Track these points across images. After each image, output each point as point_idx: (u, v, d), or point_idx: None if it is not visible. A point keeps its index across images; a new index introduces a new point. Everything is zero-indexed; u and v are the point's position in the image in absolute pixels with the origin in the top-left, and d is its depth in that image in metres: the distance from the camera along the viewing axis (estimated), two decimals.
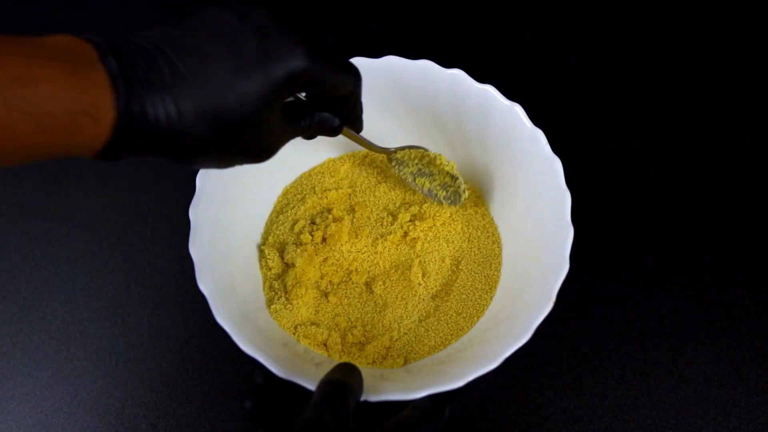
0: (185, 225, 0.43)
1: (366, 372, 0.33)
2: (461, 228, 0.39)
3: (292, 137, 0.29)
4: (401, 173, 0.39)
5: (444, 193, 0.39)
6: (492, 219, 0.39)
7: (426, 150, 0.38)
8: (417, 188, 0.39)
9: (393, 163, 0.39)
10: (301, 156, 0.40)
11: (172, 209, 0.44)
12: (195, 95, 0.23)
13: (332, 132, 0.31)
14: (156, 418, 0.38)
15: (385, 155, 0.39)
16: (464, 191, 0.38)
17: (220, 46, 0.24)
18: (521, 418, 0.38)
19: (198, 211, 0.34)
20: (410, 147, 0.38)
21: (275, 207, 0.40)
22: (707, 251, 0.43)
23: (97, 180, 0.46)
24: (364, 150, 0.41)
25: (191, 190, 0.43)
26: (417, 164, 0.39)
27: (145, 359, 0.40)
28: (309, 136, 0.30)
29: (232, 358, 0.39)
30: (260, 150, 0.27)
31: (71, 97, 0.21)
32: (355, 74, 0.29)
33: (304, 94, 0.30)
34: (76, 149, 0.22)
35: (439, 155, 0.38)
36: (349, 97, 0.30)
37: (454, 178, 0.38)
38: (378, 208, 0.40)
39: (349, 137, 0.34)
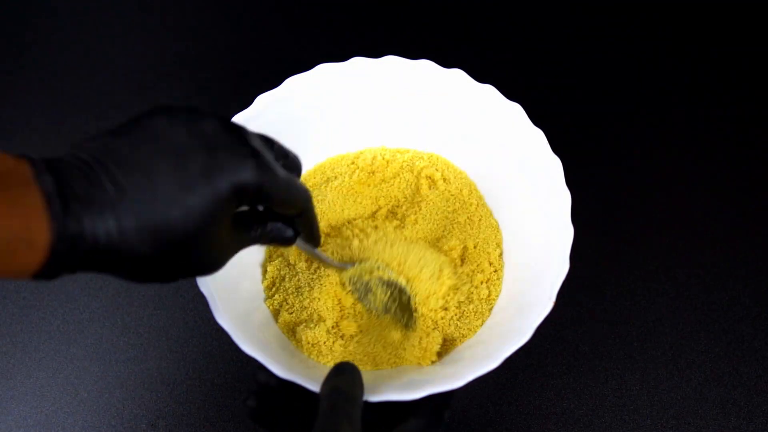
0: None
1: (366, 374, 0.33)
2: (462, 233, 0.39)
3: (243, 247, 0.28)
4: (357, 293, 0.36)
5: (401, 316, 0.36)
6: (496, 222, 0.39)
7: (380, 267, 0.36)
8: (371, 307, 0.36)
9: (347, 283, 0.36)
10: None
11: None
12: (137, 212, 0.22)
13: (286, 243, 0.30)
14: (156, 418, 0.38)
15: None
16: (414, 320, 0.35)
17: (165, 161, 0.23)
18: (521, 418, 0.38)
19: None
20: (365, 263, 0.36)
21: None
22: (708, 251, 0.43)
23: None
24: (357, 151, 0.41)
25: None
26: (372, 282, 0.36)
27: (145, 359, 0.40)
28: (262, 243, 0.29)
29: (232, 358, 0.39)
30: (207, 264, 0.26)
31: (4, 225, 0.20)
32: (304, 194, 0.28)
33: None
34: (9, 274, 0.21)
35: (393, 276, 0.36)
36: (302, 215, 0.28)
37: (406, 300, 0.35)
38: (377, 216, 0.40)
39: (303, 250, 0.33)
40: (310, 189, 0.40)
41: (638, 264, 0.42)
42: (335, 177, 0.40)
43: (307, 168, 0.41)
